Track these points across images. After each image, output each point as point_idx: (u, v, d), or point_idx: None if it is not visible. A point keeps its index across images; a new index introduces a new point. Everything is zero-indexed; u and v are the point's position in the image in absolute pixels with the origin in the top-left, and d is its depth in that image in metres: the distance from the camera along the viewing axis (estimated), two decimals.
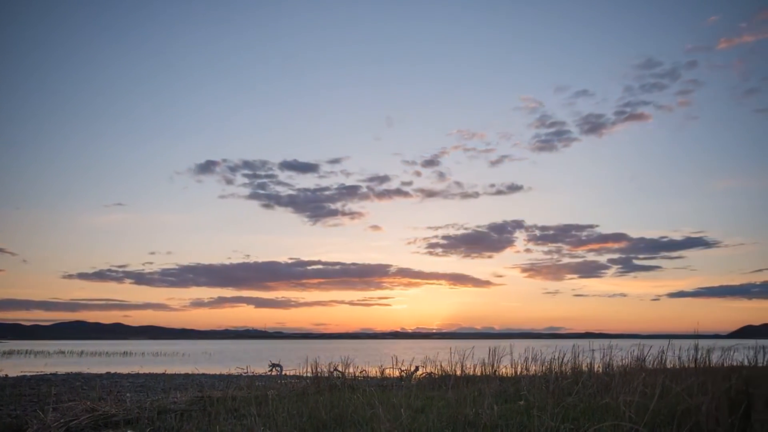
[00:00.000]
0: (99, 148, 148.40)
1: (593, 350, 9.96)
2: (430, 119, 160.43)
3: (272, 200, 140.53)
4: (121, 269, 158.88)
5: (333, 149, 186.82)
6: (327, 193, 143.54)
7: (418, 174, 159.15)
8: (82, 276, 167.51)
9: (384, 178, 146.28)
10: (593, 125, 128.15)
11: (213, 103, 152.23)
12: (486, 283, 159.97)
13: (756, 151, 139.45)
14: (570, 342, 11.39)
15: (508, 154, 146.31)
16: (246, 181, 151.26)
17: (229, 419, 7.25)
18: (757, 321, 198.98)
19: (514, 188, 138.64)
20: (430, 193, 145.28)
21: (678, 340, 9.07)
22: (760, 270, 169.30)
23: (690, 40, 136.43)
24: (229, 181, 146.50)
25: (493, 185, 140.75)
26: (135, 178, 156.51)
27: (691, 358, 8.25)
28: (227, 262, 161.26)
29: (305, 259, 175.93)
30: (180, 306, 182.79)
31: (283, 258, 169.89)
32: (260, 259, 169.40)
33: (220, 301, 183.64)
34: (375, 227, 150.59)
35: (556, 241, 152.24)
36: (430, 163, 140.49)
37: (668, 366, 8.70)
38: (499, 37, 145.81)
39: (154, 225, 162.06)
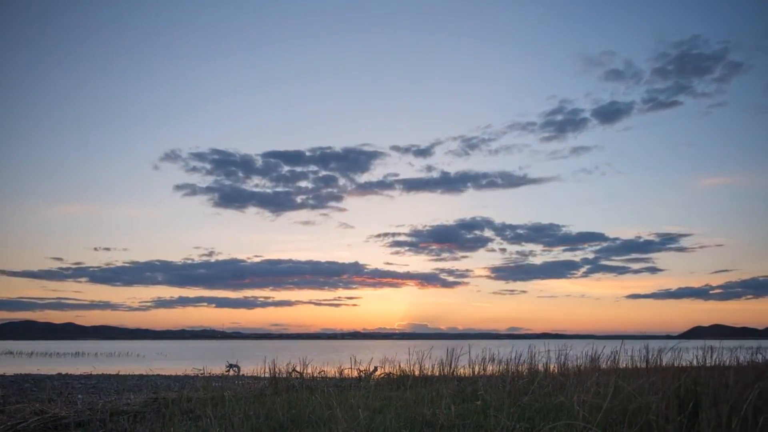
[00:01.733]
0: (51, 139, 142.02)
1: (549, 350, 10.14)
2: (428, 108, 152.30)
3: (239, 194, 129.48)
4: (73, 266, 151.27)
5: (314, 139, 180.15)
6: (301, 184, 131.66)
7: (408, 165, 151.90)
8: (32, 273, 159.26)
9: (366, 170, 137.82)
10: (612, 114, 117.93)
11: (178, 93, 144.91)
12: (455, 284, 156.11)
13: (756, 146, 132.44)
14: (527, 342, 11.57)
15: (511, 144, 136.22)
16: (211, 172, 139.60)
17: (183, 421, 7.13)
18: (707, 322, 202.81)
19: (506, 183, 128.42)
20: (413, 187, 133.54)
21: (632, 340, 9.29)
22: (717, 272, 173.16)
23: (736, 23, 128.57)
24: (192, 174, 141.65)
25: (484, 179, 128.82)
26: (90, 170, 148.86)
27: (642, 358, 8.47)
28: (188, 259, 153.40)
29: (273, 257, 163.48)
30: (137, 305, 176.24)
31: (249, 256, 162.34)
32: (225, 257, 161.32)
33: (181, 301, 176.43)
34: (348, 225, 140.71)
35: (530, 240, 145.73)
36: (422, 153, 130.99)
37: (621, 366, 8.92)
38: (516, 17, 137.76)
39: (109, 220, 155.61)
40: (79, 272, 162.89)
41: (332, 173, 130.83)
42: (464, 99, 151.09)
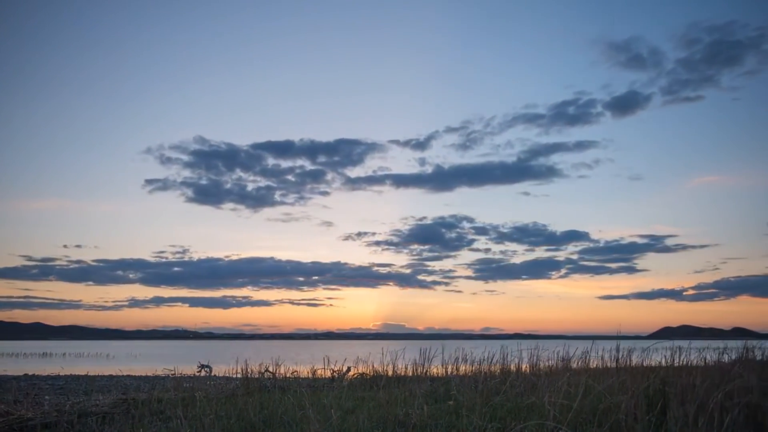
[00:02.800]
0: (21, 132, 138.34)
1: (521, 350, 10.22)
2: (429, 101, 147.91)
3: (217, 189, 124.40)
4: (42, 264, 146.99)
5: (309, 132, 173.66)
6: (286, 178, 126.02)
7: (404, 159, 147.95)
8: None
9: (358, 163, 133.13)
10: (628, 105, 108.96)
11: (167, 86, 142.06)
12: (436, 284, 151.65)
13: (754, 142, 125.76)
14: (499, 343, 11.64)
15: (514, 138, 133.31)
16: (189, 165, 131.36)
17: (153, 422, 7.04)
18: (675, 322, 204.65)
19: (502, 179, 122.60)
20: (403, 183, 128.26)
21: (603, 341, 9.40)
22: (692, 273, 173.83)
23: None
24: (169, 167, 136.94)
25: (480, 173, 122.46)
26: (62, 164, 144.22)
27: (612, 358, 8.57)
28: (162, 257, 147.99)
29: (252, 255, 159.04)
30: (110, 305, 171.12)
31: (226, 254, 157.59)
32: (201, 255, 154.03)
33: (155, 301, 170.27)
34: (330, 223, 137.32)
35: (513, 240, 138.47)
36: (420, 146, 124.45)
37: (591, 366, 9.01)
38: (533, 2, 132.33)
39: (80, 216, 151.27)
40: (47, 270, 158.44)
41: (320, 167, 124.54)
42: (468, 92, 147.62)
